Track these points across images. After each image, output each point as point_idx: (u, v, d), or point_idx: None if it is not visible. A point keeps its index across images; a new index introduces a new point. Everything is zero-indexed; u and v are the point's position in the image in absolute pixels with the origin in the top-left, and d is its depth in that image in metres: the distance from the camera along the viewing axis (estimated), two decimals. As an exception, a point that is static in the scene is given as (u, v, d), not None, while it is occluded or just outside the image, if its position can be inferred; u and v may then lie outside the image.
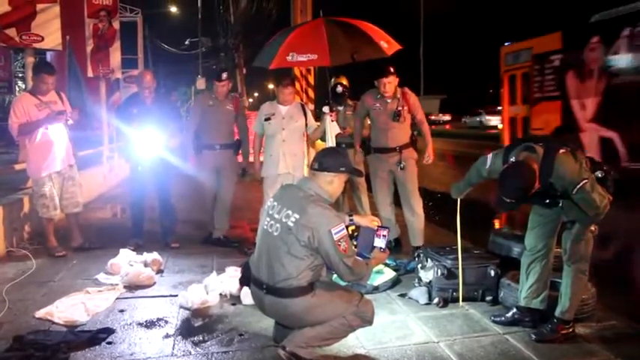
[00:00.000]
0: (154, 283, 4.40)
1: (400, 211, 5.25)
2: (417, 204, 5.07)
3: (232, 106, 5.59)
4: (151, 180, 5.47)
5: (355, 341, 3.29)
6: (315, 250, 2.85)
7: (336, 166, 3.03)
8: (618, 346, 3.24)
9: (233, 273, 4.24)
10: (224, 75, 5.58)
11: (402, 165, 5.00)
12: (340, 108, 5.74)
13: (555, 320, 3.35)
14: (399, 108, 4.97)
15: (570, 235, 3.29)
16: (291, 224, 2.86)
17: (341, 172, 3.05)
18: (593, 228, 3.28)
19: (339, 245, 2.81)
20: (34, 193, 5.30)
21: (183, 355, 3.17)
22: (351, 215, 3.32)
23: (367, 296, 4.01)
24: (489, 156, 3.54)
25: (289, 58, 5.18)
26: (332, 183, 3.03)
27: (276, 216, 2.94)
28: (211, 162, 5.57)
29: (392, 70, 4.99)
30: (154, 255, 4.82)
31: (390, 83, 4.96)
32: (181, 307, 3.86)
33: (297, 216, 2.85)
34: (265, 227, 3.00)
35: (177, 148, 5.54)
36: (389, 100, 5.02)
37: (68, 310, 3.68)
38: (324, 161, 3.03)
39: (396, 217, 5.28)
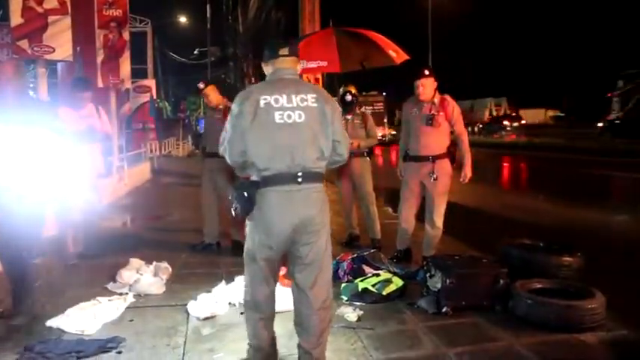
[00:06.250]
0: (164, 292, 4.43)
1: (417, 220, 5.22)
2: (439, 219, 4.97)
3: (222, 114, 5.59)
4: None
5: (363, 350, 3.28)
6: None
7: (296, 50, 3.03)
8: (628, 356, 3.21)
9: (242, 282, 4.25)
10: (201, 85, 5.75)
11: (434, 176, 4.86)
12: (349, 117, 5.75)
13: None
14: (433, 112, 4.86)
15: None
16: (314, 104, 2.81)
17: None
18: None
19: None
20: (60, 197, 5.41)
21: (193, 365, 3.18)
22: None
23: (376, 306, 4.03)
24: None
25: (300, 65, 5.23)
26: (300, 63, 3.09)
27: (290, 105, 2.77)
28: (206, 169, 5.83)
29: (427, 72, 4.91)
30: (164, 264, 4.84)
31: (422, 86, 4.86)
32: (191, 316, 3.88)
33: (314, 95, 2.84)
34: (280, 121, 2.74)
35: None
36: (425, 105, 4.92)
37: (78, 319, 3.70)
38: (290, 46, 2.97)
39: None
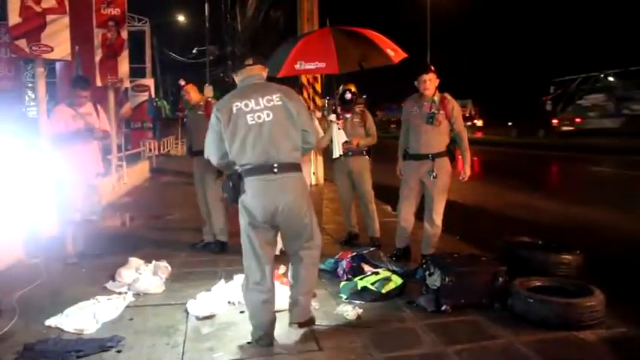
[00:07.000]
0: (163, 291, 4.43)
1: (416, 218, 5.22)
2: (439, 217, 4.97)
3: (204, 111, 5.63)
4: None
5: (362, 349, 3.28)
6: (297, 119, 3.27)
7: (260, 60, 3.44)
8: (628, 354, 3.21)
9: (241, 280, 4.26)
10: (182, 82, 5.85)
11: (433, 174, 4.86)
12: (348, 115, 5.74)
13: None
14: (434, 111, 4.86)
15: None
16: (279, 102, 3.21)
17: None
18: None
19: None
20: (57, 196, 5.42)
21: (192, 363, 3.17)
22: None
23: (376, 304, 4.03)
24: None
25: (297, 66, 5.22)
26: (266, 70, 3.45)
27: (258, 107, 3.18)
28: (195, 167, 5.84)
29: (432, 67, 4.94)
30: (163, 263, 4.84)
31: (429, 80, 4.87)
32: (190, 315, 3.88)
33: (279, 94, 3.23)
34: (252, 122, 3.17)
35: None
36: (425, 103, 4.93)
37: (78, 318, 3.70)
38: (254, 57, 3.41)
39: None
